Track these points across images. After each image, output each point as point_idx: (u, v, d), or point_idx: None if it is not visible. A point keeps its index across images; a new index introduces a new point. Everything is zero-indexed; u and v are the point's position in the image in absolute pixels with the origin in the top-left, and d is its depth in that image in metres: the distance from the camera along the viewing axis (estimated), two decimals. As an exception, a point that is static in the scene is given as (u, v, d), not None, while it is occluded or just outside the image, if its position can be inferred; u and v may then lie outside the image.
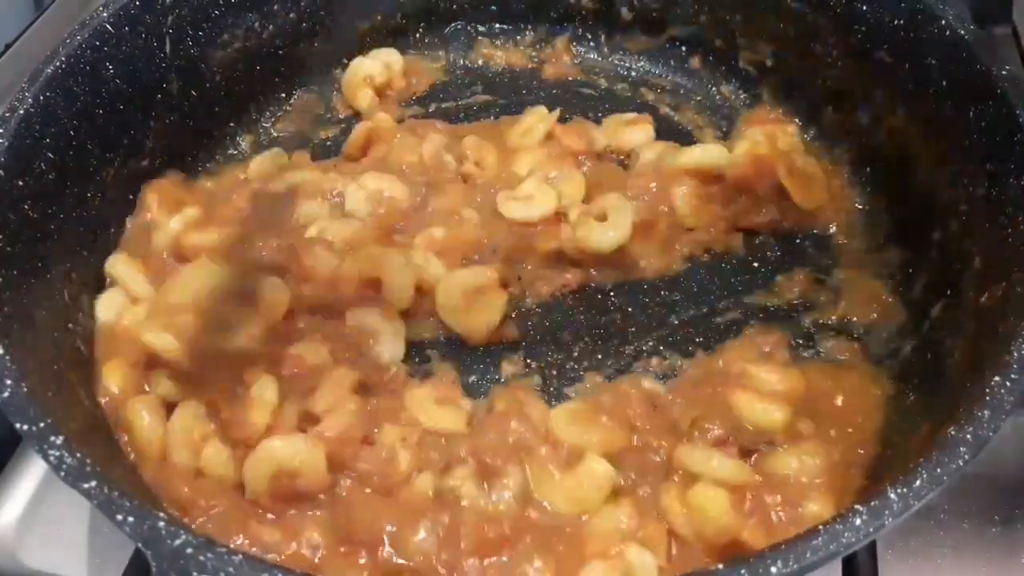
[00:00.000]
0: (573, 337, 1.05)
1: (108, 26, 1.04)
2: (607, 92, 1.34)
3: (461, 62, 1.38)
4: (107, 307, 1.00)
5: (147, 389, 0.93)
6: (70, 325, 0.94)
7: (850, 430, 0.92)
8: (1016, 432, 0.97)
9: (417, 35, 1.38)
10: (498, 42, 1.38)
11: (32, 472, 0.99)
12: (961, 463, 0.70)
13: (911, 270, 1.06)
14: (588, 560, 0.82)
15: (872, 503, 0.68)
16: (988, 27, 1.38)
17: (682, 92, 1.32)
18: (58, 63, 0.98)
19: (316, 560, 0.83)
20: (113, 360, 0.94)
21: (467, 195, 1.13)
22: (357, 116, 1.30)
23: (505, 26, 1.38)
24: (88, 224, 1.02)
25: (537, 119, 1.23)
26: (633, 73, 1.35)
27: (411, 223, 1.10)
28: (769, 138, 1.14)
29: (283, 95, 1.31)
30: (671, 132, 1.26)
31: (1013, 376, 0.74)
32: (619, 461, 0.89)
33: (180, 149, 1.18)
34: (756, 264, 1.12)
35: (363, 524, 0.84)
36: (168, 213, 1.09)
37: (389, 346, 1.00)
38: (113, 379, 0.92)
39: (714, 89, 1.31)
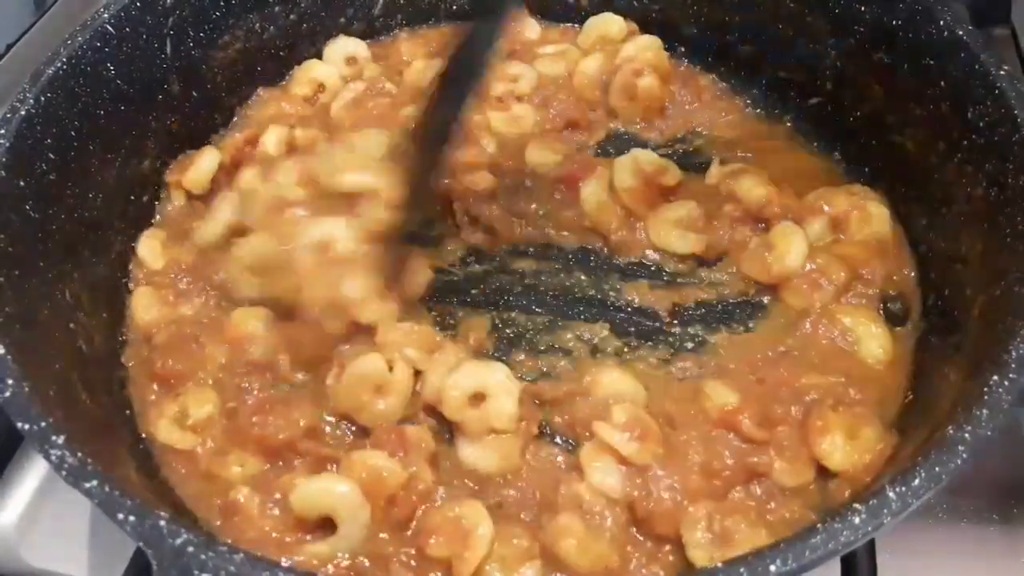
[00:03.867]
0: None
1: (109, 27, 1.04)
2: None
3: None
4: None
5: None
6: (71, 325, 0.94)
7: None
8: (1015, 432, 0.97)
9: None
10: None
11: (34, 471, 1.00)
12: (959, 462, 0.70)
13: (910, 270, 1.06)
14: None
15: (871, 502, 0.68)
16: (987, 28, 1.39)
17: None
18: (59, 64, 0.98)
19: None
20: None
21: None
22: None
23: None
24: (89, 224, 1.02)
25: None
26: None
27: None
28: None
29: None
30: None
31: (1011, 375, 0.74)
32: None
33: (181, 150, 1.18)
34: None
35: None
36: None
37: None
38: None
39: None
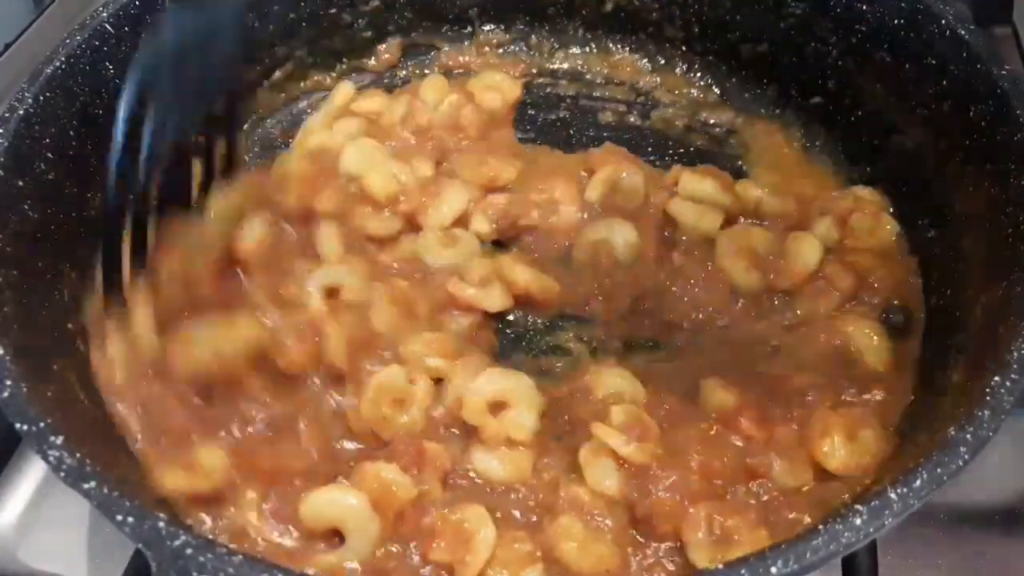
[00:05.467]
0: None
1: (108, 26, 1.04)
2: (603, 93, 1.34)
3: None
4: None
5: None
6: (70, 325, 0.94)
7: None
8: (1016, 433, 0.97)
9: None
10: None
11: (32, 472, 0.99)
12: (961, 463, 0.70)
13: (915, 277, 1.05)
14: None
15: (872, 503, 0.68)
16: (988, 27, 1.39)
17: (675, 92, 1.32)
18: (58, 63, 0.98)
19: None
20: None
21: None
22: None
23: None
24: (88, 224, 1.02)
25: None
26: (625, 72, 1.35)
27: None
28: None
29: (283, 95, 1.31)
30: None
31: (1013, 376, 0.74)
32: None
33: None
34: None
35: None
36: None
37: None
38: None
39: (714, 91, 1.31)
